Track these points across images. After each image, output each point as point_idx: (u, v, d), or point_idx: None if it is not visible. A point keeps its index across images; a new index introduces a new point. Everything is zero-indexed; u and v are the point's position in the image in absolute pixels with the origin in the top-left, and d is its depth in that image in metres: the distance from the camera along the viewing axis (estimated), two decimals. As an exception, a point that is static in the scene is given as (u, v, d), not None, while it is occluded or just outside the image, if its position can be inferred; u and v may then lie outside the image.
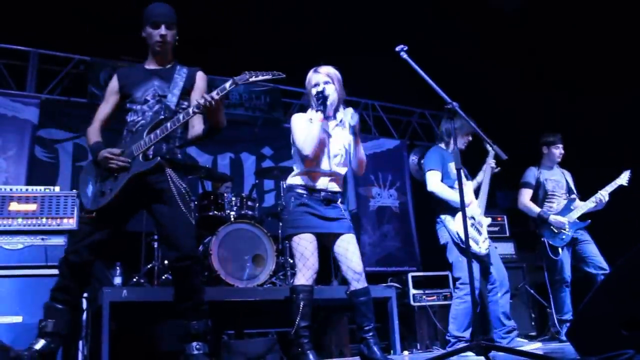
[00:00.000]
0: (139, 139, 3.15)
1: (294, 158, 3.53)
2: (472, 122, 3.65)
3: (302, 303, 3.23)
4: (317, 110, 3.33)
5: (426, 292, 5.82)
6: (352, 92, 8.12)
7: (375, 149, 8.15)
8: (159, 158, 3.15)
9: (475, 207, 4.46)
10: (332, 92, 3.46)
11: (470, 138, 4.59)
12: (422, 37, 5.85)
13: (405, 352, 5.37)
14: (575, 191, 5.40)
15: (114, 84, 3.36)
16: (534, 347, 4.39)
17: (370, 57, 6.76)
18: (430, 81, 3.27)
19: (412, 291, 5.80)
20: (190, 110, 3.12)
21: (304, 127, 3.38)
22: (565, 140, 5.47)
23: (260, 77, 3.09)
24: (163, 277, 4.97)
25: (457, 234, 4.27)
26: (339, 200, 3.49)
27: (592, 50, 6.70)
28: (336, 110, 3.54)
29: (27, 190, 4.22)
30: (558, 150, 5.39)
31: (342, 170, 3.54)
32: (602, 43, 6.59)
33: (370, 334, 3.34)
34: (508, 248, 6.56)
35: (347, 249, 3.41)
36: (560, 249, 5.10)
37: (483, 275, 4.47)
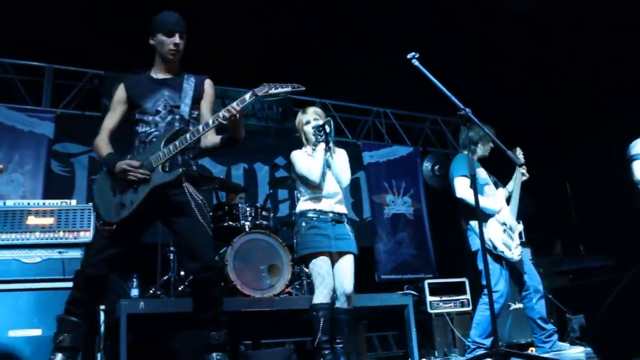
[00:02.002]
0: (155, 150, 3.12)
1: (298, 188, 3.91)
2: (486, 128, 3.64)
3: (322, 319, 3.50)
4: (318, 142, 3.69)
5: (443, 299, 5.79)
6: (365, 100, 8.23)
7: (388, 157, 8.14)
8: (181, 169, 3.15)
9: (507, 214, 4.44)
10: None
11: (492, 145, 4.56)
12: (434, 43, 5.86)
13: (423, 360, 5.34)
14: None
15: (121, 94, 3.30)
16: (577, 351, 4.34)
17: (382, 65, 6.78)
18: (442, 87, 3.26)
19: (429, 298, 5.77)
20: (210, 121, 3.13)
21: (306, 159, 3.78)
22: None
23: (280, 90, 3.16)
24: (179, 289, 4.98)
25: (490, 240, 4.24)
26: (345, 221, 3.82)
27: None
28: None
29: (44, 204, 4.27)
30: None
31: (341, 190, 3.89)
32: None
33: (341, 346, 3.61)
34: (525, 253, 6.50)
35: (345, 269, 3.71)
36: None
37: (516, 281, 4.44)
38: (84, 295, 3.12)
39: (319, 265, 3.60)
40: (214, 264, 3.24)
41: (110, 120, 3.30)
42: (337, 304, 3.67)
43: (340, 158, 3.85)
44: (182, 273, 5.05)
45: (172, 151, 3.10)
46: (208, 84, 3.44)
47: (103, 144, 3.23)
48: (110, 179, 3.17)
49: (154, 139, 3.18)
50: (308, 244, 3.65)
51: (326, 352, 3.48)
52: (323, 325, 3.49)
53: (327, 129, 3.67)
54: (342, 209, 3.83)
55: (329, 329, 3.53)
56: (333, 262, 3.68)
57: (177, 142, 3.11)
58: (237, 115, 3.10)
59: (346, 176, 3.85)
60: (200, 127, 3.14)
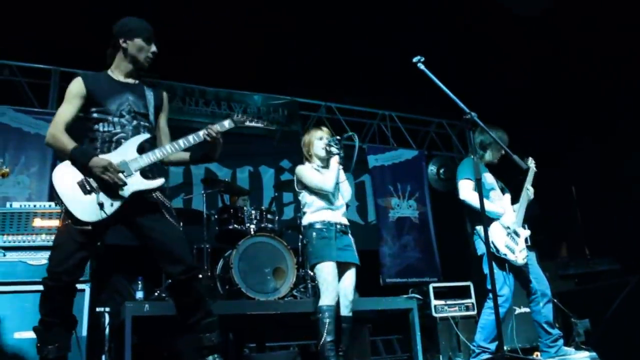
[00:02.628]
0: (127, 153, 3.08)
1: (303, 201, 4.08)
2: (498, 133, 3.63)
3: (327, 320, 3.67)
4: (333, 154, 3.99)
5: (448, 302, 5.78)
6: (370, 103, 8.23)
7: (393, 160, 8.13)
8: (163, 179, 3.18)
9: (512, 218, 4.43)
10: None
11: (503, 152, 4.55)
12: (439, 45, 5.86)
13: (428, 364, 5.33)
14: None
15: (78, 87, 3.13)
16: (582, 356, 4.32)
17: (387, 68, 6.78)
18: (447, 91, 3.26)
19: (434, 302, 5.76)
20: (193, 137, 3.20)
21: (315, 172, 4.03)
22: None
23: (254, 124, 3.45)
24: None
25: (492, 243, 4.23)
26: (349, 232, 4.07)
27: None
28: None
29: (49, 206, 4.28)
30: None
31: (344, 202, 4.15)
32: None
33: (342, 353, 3.80)
34: (532, 257, 6.48)
35: (348, 278, 3.97)
36: None
37: (522, 285, 4.44)
38: (60, 304, 3.00)
39: (326, 272, 3.79)
40: (195, 264, 3.24)
41: (67, 113, 3.11)
42: (342, 312, 3.87)
43: (344, 175, 4.12)
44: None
45: (151, 159, 3.11)
46: (166, 97, 3.46)
47: (64, 137, 3.05)
48: (76, 174, 3.01)
49: (122, 140, 3.12)
50: (319, 252, 3.85)
51: (331, 353, 3.61)
52: (328, 326, 3.64)
53: (340, 146, 4.00)
54: (346, 220, 4.08)
55: (334, 330, 3.67)
56: (339, 271, 3.88)
57: (157, 152, 3.13)
58: (219, 138, 3.22)
59: (349, 192, 4.18)
60: (183, 141, 3.18)
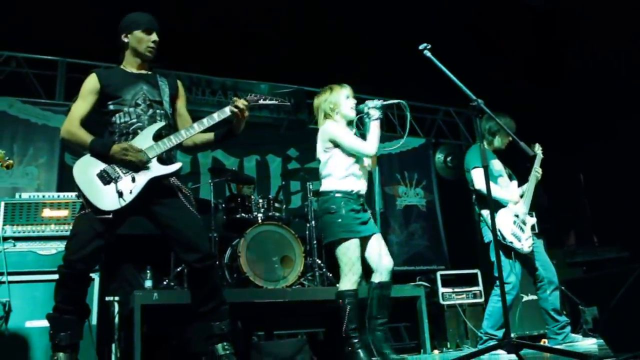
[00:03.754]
0: (144, 141, 3.11)
1: (330, 164, 3.67)
2: (505, 120, 3.62)
3: (349, 307, 3.42)
4: (374, 119, 3.66)
5: (455, 290, 5.79)
6: (377, 91, 8.20)
7: (401, 148, 8.09)
8: (180, 163, 3.21)
9: (520, 205, 4.43)
10: None
11: (511, 139, 4.54)
12: (447, 33, 5.84)
13: (436, 351, 5.36)
14: None
15: (93, 83, 3.22)
16: (589, 342, 4.33)
17: (394, 56, 6.75)
18: (454, 78, 3.25)
19: (441, 290, 5.78)
20: (218, 114, 3.20)
21: (351, 134, 3.67)
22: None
23: (269, 102, 3.45)
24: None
25: (499, 230, 4.22)
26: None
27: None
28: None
29: (58, 196, 4.31)
30: None
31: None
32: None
33: (383, 327, 3.58)
34: (540, 245, 6.48)
35: (380, 246, 3.65)
36: None
37: (529, 273, 4.45)
38: (74, 292, 3.02)
39: (352, 251, 3.47)
40: (212, 252, 3.25)
41: (81, 109, 3.18)
42: (381, 279, 3.60)
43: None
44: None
45: (167, 145, 3.12)
46: (180, 84, 3.50)
47: (81, 131, 3.11)
48: (96, 165, 3.04)
49: (139, 130, 3.16)
50: (348, 226, 3.50)
51: (355, 340, 3.40)
52: (350, 313, 3.41)
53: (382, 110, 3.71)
54: (366, 189, 3.76)
55: (356, 316, 3.45)
56: (364, 244, 3.60)
57: (172, 137, 3.14)
58: (246, 110, 3.20)
59: (372, 161, 3.87)
60: (204, 121, 3.17)
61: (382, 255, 3.63)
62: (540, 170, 4.58)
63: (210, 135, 3.34)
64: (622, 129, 6.66)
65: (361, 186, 3.67)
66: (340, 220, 3.51)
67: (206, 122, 3.19)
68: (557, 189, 7.04)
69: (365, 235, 3.60)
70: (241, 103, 3.20)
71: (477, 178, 4.35)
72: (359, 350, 3.37)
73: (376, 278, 3.62)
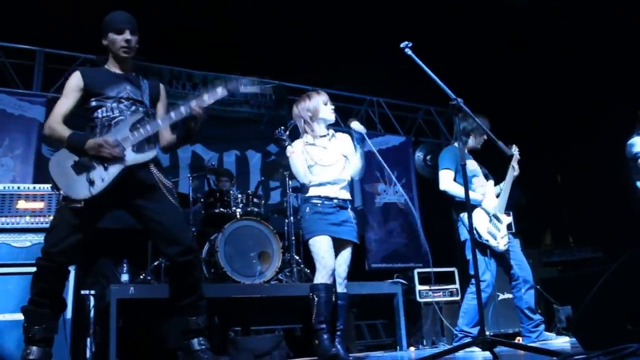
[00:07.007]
0: (121, 132, 3.10)
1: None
2: (480, 119, 3.65)
3: (318, 299, 3.50)
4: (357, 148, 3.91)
5: (432, 288, 5.83)
6: (358, 89, 8.22)
7: (380, 146, 8.13)
8: (155, 151, 3.20)
9: (494, 204, 4.47)
10: None
11: (486, 137, 4.58)
12: (427, 33, 5.85)
13: (412, 348, 5.39)
14: None
15: (76, 81, 3.20)
16: (562, 341, 4.39)
17: (375, 54, 6.77)
18: (434, 77, 3.27)
19: (418, 287, 5.81)
20: (182, 109, 3.19)
21: (302, 160, 3.74)
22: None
23: (249, 89, 3.41)
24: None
25: (475, 229, 4.27)
26: (349, 207, 3.84)
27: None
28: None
29: (34, 188, 4.25)
30: None
31: (347, 177, 3.91)
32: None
33: (339, 333, 3.62)
34: (516, 244, 6.55)
35: (344, 256, 3.74)
36: None
37: (504, 271, 4.49)
38: (52, 286, 3.00)
39: (318, 247, 3.59)
40: (194, 246, 3.22)
41: (64, 106, 3.17)
42: (338, 289, 3.68)
43: (353, 149, 3.99)
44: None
45: (143, 134, 3.12)
46: (162, 88, 3.51)
47: (61, 126, 3.10)
48: (71, 158, 3.04)
49: (120, 122, 3.14)
50: (311, 227, 3.65)
51: (323, 332, 3.46)
52: (320, 306, 3.48)
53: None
54: (347, 195, 3.86)
55: (326, 309, 3.50)
56: (335, 247, 3.66)
57: (147, 126, 3.14)
58: (202, 112, 3.20)
59: (358, 167, 3.99)
60: (172, 114, 3.17)
61: (340, 266, 3.71)
62: (517, 166, 4.63)
63: (173, 137, 3.37)
64: (599, 130, 6.75)
65: (332, 190, 3.77)
66: (304, 224, 3.73)
67: (173, 115, 3.19)
68: (535, 189, 7.12)
69: (337, 238, 3.67)
70: (203, 101, 3.21)
71: (443, 179, 4.43)
72: (325, 341, 3.44)
73: (337, 287, 3.69)
